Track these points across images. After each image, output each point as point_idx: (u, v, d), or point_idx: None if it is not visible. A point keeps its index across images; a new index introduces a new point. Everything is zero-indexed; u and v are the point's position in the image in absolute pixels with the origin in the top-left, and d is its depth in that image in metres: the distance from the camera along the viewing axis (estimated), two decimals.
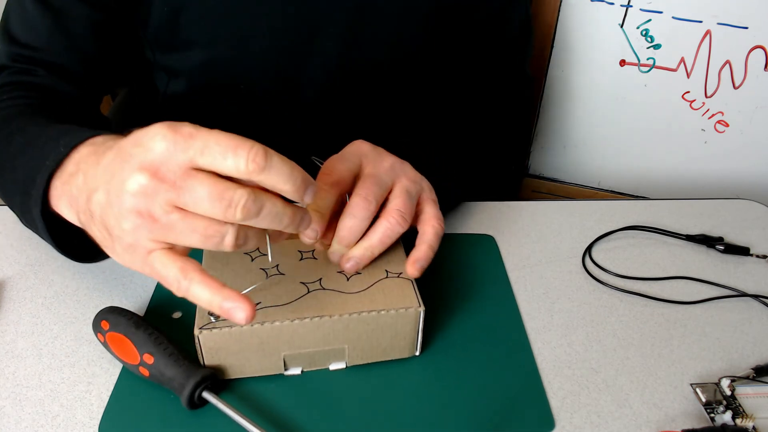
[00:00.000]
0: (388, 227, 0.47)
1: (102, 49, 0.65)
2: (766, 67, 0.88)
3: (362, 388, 0.46)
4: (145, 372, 0.44)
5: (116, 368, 0.47)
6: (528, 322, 0.53)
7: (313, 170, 0.53)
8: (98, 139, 0.43)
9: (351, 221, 0.46)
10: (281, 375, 0.47)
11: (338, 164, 0.48)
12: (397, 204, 0.48)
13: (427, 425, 0.44)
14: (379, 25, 0.68)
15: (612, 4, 0.91)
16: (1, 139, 0.52)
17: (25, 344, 0.49)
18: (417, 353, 0.48)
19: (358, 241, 0.48)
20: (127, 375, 0.46)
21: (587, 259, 0.61)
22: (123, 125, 0.62)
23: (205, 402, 0.44)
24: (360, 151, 0.50)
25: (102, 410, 0.44)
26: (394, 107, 0.78)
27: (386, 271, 0.48)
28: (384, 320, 0.45)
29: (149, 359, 0.44)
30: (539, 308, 0.55)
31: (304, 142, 0.76)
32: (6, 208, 0.65)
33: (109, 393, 0.45)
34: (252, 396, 0.45)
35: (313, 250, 0.51)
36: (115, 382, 0.46)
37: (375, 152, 0.50)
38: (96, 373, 0.47)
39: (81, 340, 0.50)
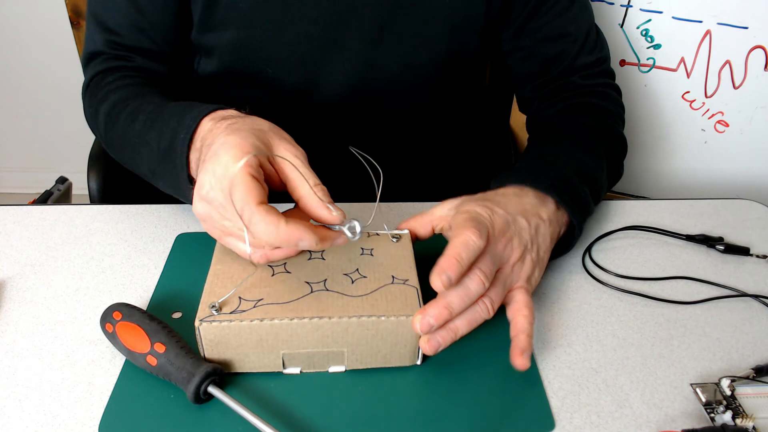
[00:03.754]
0: (478, 312, 0.47)
1: (177, 29, 0.70)
2: (766, 67, 0.88)
3: (361, 391, 0.46)
4: (152, 361, 0.44)
5: (116, 368, 0.47)
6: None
7: (346, 159, 0.52)
8: (216, 114, 0.51)
9: (465, 294, 0.46)
10: (281, 374, 0.47)
11: (480, 227, 0.47)
12: (493, 294, 0.48)
13: (427, 425, 0.44)
14: (409, 25, 0.69)
15: (612, 4, 0.91)
16: (125, 119, 0.60)
17: (25, 344, 0.49)
18: (418, 362, 0.48)
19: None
20: (127, 375, 0.46)
21: (587, 258, 0.61)
22: None
23: (209, 398, 0.44)
24: (493, 224, 0.50)
25: (102, 410, 0.44)
26: (420, 108, 0.78)
27: (392, 276, 0.48)
28: (384, 326, 0.45)
29: (160, 348, 0.44)
30: (539, 308, 0.55)
31: (325, 137, 0.76)
32: (5, 208, 0.65)
33: (109, 393, 0.45)
34: (251, 394, 0.45)
35: (323, 251, 0.51)
36: (115, 382, 0.46)
37: (501, 230, 0.50)
38: (96, 373, 0.47)
39: (81, 340, 0.50)
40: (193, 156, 0.51)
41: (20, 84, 1.85)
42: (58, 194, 0.90)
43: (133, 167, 0.61)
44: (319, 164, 0.55)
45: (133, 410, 0.44)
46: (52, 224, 0.63)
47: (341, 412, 0.44)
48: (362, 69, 0.70)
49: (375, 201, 0.51)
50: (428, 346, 0.45)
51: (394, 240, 0.52)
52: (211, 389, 0.43)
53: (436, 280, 0.44)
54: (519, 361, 0.46)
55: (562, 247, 0.59)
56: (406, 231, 0.54)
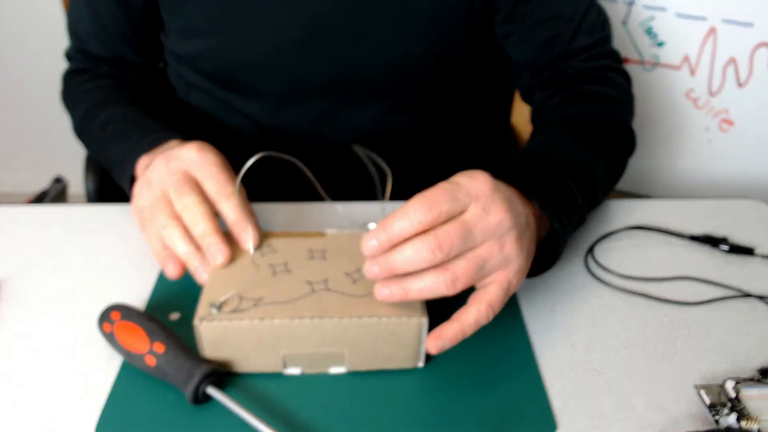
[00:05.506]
0: (434, 284, 0.42)
1: (142, 40, 0.74)
2: None
3: (361, 392, 0.46)
4: (151, 361, 0.44)
5: (114, 369, 0.47)
6: (530, 322, 0.52)
7: (345, 159, 0.52)
8: (166, 145, 0.58)
9: (412, 256, 0.41)
10: (281, 374, 0.46)
11: (444, 201, 0.42)
12: (460, 266, 0.42)
13: (427, 428, 0.43)
14: (387, 23, 0.67)
15: (615, 1, 0.91)
16: (98, 125, 0.66)
17: (23, 344, 0.49)
18: (420, 365, 0.47)
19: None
20: (125, 375, 0.46)
21: (590, 259, 0.61)
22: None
23: (207, 399, 0.43)
24: (476, 191, 0.43)
25: (100, 410, 0.44)
26: (417, 108, 0.77)
27: None
28: (385, 327, 0.44)
29: (159, 348, 0.44)
30: (541, 308, 0.54)
31: (320, 139, 0.75)
32: (0, 207, 0.65)
33: (107, 393, 0.45)
34: (251, 395, 0.45)
35: (324, 250, 0.50)
36: (112, 383, 0.46)
37: (490, 199, 0.43)
38: (94, 373, 0.47)
39: (78, 340, 0.49)
40: (140, 169, 0.58)
41: (17, 83, 1.84)
42: (54, 194, 0.90)
43: (100, 161, 0.69)
44: (314, 167, 0.55)
45: (130, 412, 0.44)
46: (48, 224, 0.63)
47: (341, 413, 0.44)
48: (343, 70, 0.69)
49: (369, 200, 0.51)
50: (377, 295, 0.43)
51: None
52: (210, 390, 0.43)
53: (362, 245, 0.42)
54: (430, 344, 0.43)
55: (547, 255, 0.52)
56: None
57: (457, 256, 0.42)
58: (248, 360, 0.45)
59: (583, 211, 0.57)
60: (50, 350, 0.48)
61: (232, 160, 0.55)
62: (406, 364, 0.47)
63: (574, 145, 0.60)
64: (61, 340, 0.49)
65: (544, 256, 0.52)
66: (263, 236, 0.52)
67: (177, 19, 0.69)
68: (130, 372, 0.46)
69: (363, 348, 0.45)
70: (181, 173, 0.52)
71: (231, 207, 0.51)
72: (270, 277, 0.47)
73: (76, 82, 0.73)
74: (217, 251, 0.49)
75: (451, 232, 0.41)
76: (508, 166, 0.52)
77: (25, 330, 0.50)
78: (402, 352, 0.46)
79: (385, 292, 0.43)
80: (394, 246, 0.42)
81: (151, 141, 0.59)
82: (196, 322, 0.43)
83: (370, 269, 0.42)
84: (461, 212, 0.42)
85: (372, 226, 0.45)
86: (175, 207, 0.51)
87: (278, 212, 0.65)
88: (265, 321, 0.43)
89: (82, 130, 0.70)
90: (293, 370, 0.47)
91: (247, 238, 0.50)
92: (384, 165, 0.49)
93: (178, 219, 0.51)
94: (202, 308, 0.44)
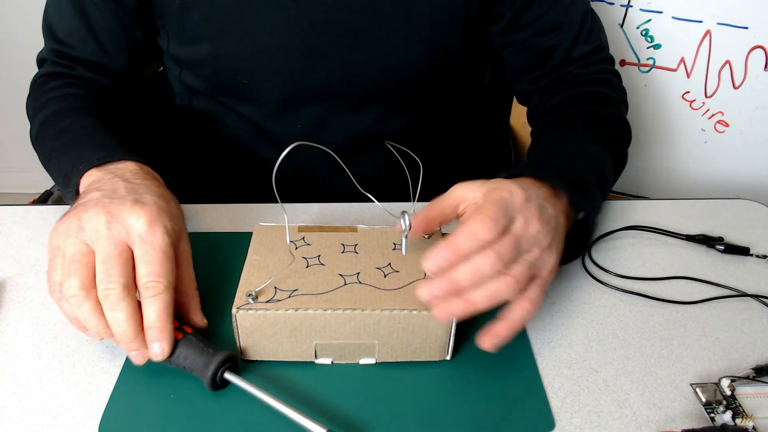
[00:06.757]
0: (499, 290, 0.44)
1: (131, 45, 0.72)
2: (766, 67, 0.88)
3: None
4: (178, 335, 0.45)
5: (116, 368, 0.47)
6: (529, 321, 0.53)
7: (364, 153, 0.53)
8: (118, 165, 0.53)
9: (474, 270, 0.43)
10: (311, 364, 0.48)
11: (502, 219, 0.45)
12: (519, 270, 0.45)
13: (427, 425, 0.44)
14: (384, 28, 0.68)
15: (612, 4, 0.91)
16: (55, 133, 0.62)
17: (25, 344, 0.49)
18: (448, 358, 0.48)
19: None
20: (127, 375, 0.46)
21: (587, 259, 0.61)
22: (138, 120, 0.70)
23: (224, 385, 0.45)
24: (518, 204, 0.47)
25: (102, 410, 0.44)
26: (404, 114, 0.77)
27: (424, 272, 0.48)
28: (415, 320, 0.45)
29: (188, 329, 0.46)
30: (540, 308, 0.54)
31: (305, 149, 0.76)
32: (5, 208, 0.66)
33: (109, 393, 0.45)
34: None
35: (356, 245, 0.52)
36: (115, 382, 0.46)
37: (529, 212, 0.47)
38: (96, 373, 0.47)
39: (81, 340, 0.50)
40: (84, 185, 0.53)
41: (20, 84, 1.84)
42: (58, 194, 0.90)
43: (48, 172, 0.63)
44: (314, 169, 0.55)
45: (132, 410, 0.44)
46: (53, 224, 0.63)
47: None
48: (341, 75, 0.70)
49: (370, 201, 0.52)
50: (440, 314, 0.44)
51: (426, 237, 0.52)
52: (228, 375, 0.44)
53: (426, 263, 0.43)
54: (484, 341, 0.46)
55: (574, 247, 0.56)
56: (438, 228, 0.53)
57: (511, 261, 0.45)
58: (281, 349, 0.47)
59: (601, 205, 0.62)
60: (54, 349, 0.49)
61: (231, 164, 0.55)
62: (435, 356, 0.48)
63: (587, 142, 0.63)
64: (65, 339, 0.50)
65: (568, 246, 0.54)
66: (298, 230, 0.53)
67: (177, 25, 0.69)
68: (133, 371, 0.47)
69: (393, 340, 0.46)
70: (119, 245, 0.44)
71: (155, 309, 0.43)
72: (304, 269, 0.49)
73: (47, 86, 0.69)
74: (136, 357, 0.44)
75: (508, 246, 0.44)
76: (538, 165, 0.56)
77: (29, 329, 0.51)
78: (431, 345, 0.47)
79: (446, 312, 0.44)
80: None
81: (102, 156, 0.53)
82: (234, 310, 0.45)
83: (426, 292, 0.43)
84: (510, 226, 0.46)
85: (407, 217, 0.47)
86: (97, 278, 0.44)
87: (293, 212, 0.66)
88: (299, 311, 0.45)
89: (38, 136, 0.65)
90: (324, 360, 0.48)
91: (159, 349, 0.44)
92: (419, 161, 0.52)
93: (94, 293, 0.44)
94: (238, 297, 0.46)
